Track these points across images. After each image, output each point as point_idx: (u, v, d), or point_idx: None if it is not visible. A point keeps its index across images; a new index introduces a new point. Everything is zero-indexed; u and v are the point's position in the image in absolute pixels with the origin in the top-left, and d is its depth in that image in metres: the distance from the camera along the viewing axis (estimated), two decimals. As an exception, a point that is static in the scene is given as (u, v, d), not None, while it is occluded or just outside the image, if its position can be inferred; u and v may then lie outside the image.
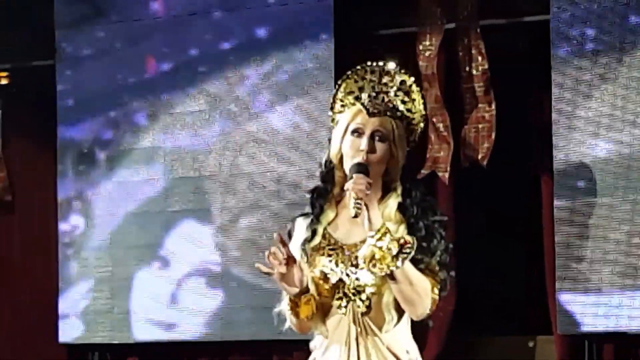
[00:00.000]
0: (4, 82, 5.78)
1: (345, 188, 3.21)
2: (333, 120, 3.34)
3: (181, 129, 5.43)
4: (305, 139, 5.33)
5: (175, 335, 5.46)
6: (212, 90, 5.51)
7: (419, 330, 3.35)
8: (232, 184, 5.50)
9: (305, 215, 3.38)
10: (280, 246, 3.25)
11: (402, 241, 3.10)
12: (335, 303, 3.27)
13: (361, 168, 3.18)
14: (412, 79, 3.34)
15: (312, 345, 3.36)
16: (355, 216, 3.19)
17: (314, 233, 3.33)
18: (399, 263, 3.09)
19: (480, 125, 4.94)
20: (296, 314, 3.27)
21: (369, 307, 3.23)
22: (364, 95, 3.39)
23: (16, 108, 5.80)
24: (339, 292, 3.26)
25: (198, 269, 5.50)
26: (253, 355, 5.41)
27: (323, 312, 3.30)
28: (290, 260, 3.27)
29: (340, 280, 3.28)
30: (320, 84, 5.25)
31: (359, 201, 3.16)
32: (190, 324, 5.45)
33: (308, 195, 3.42)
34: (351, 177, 3.16)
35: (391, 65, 3.39)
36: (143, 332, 5.50)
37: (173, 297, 5.50)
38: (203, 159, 5.53)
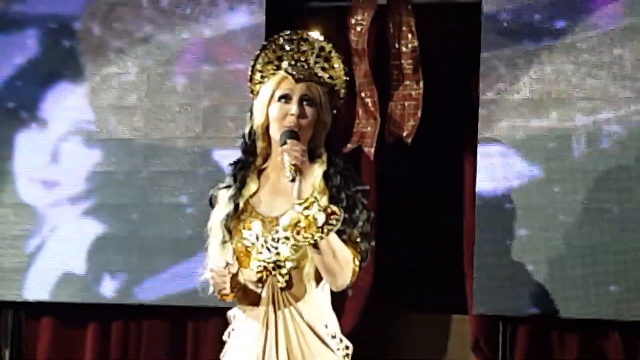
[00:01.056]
0: None
1: (281, 152, 3.23)
2: (252, 91, 3.38)
3: None
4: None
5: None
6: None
7: (337, 299, 3.39)
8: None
9: (227, 187, 3.38)
10: (228, 276, 3.28)
11: (329, 211, 3.11)
12: (256, 276, 3.24)
13: (293, 134, 3.21)
14: (330, 45, 3.40)
15: (230, 314, 3.36)
16: (293, 180, 3.18)
17: (236, 207, 3.34)
18: (324, 234, 3.11)
19: (406, 103, 4.94)
20: (222, 298, 3.30)
21: (288, 282, 3.24)
22: (285, 64, 3.40)
23: None
24: (259, 267, 3.25)
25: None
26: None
27: (244, 289, 3.31)
28: (234, 281, 3.30)
29: (260, 253, 3.28)
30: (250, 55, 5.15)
31: (295, 165, 3.18)
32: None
33: (229, 167, 3.44)
34: (284, 143, 3.19)
35: (311, 34, 3.44)
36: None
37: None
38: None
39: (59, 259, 5.36)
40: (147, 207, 5.41)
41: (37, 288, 5.38)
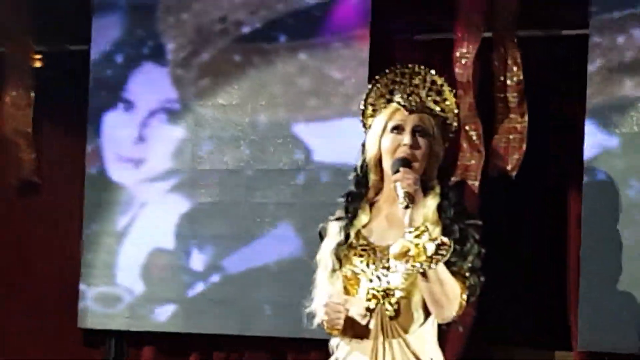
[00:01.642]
0: (38, 65, 5.72)
1: (393, 181, 3.24)
2: (365, 125, 3.42)
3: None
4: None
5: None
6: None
7: (439, 334, 3.41)
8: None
9: (337, 219, 3.44)
10: (343, 312, 3.32)
11: (439, 241, 3.12)
12: (364, 304, 3.29)
13: (405, 162, 3.23)
14: (442, 78, 3.43)
15: (332, 344, 3.40)
16: (406, 207, 3.19)
17: (347, 237, 3.39)
18: (433, 264, 3.11)
19: (511, 136, 4.87)
20: (331, 332, 3.36)
21: (397, 311, 3.26)
22: (397, 96, 3.41)
23: (49, 92, 5.73)
24: (368, 294, 3.29)
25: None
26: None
27: (351, 321, 3.34)
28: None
29: (370, 281, 3.32)
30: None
31: (407, 192, 3.20)
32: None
33: (341, 200, 3.49)
34: (396, 171, 3.22)
35: (423, 67, 3.45)
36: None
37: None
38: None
39: (149, 235, 5.45)
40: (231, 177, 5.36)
41: (129, 268, 5.46)
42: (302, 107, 5.26)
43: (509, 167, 4.79)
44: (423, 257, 3.11)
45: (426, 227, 3.23)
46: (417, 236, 3.13)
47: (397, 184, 3.22)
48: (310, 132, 5.30)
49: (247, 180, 5.31)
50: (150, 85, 5.52)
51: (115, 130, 5.52)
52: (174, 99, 5.46)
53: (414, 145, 3.30)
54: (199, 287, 5.32)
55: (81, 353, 5.60)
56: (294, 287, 4.68)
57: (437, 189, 3.38)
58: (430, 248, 3.12)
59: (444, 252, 3.13)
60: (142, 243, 5.43)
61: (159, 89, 5.50)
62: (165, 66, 5.47)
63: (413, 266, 3.13)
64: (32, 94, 5.63)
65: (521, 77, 4.77)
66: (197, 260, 5.34)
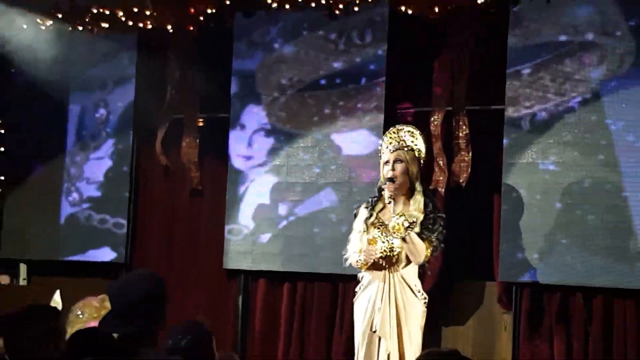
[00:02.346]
0: (200, 124, 6.53)
1: (382, 189, 4.06)
2: (380, 157, 4.25)
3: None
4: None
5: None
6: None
7: (420, 276, 4.26)
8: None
9: (365, 206, 4.21)
10: (374, 255, 3.98)
11: (411, 220, 3.97)
12: (380, 254, 4.05)
13: (390, 180, 4.04)
14: (415, 128, 4.25)
15: (359, 275, 4.17)
16: (389, 202, 3.99)
17: (370, 215, 4.13)
18: (407, 233, 3.94)
19: (462, 164, 5.60)
20: (362, 266, 4.08)
21: (396, 258, 4.06)
22: (386, 142, 4.20)
23: (208, 139, 6.59)
24: (381, 249, 4.05)
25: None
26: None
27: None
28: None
29: (382, 242, 4.07)
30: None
31: (390, 195, 4.02)
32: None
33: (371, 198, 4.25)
34: (385, 184, 4.05)
35: (404, 125, 4.29)
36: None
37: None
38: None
39: (255, 195, 6.14)
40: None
41: (245, 215, 6.12)
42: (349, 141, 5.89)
43: (461, 181, 5.57)
44: (402, 230, 3.96)
45: (403, 213, 3.98)
46: (399, 218, 4.00)
47: (386, 191, 4.05)
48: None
49: (315, 176, 5.99)
50: (253, 115, 6.31)
51: (236, 143, 6.31)
52: (266, 123, 6.23)
53: (394, 169, 4.06)
54: (283, 223, 6.10)
55: (226, 286, 6.35)
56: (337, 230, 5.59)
57: (421, 191, 4.15)
58: (405, 225, 3.96)
59: (413, 226, 3.97)
60: (252, 201, 6.20)
61: (258, 118, 6.27)
62: (261, 105, 6.24)
63: (399, 234, 3.98)
64: (197, 140, 6.47)
65: (467, 132, 5.55)
66: (282, 209, 6.08)
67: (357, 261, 4.03)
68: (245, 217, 6.18)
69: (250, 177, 6.24)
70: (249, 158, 6.27)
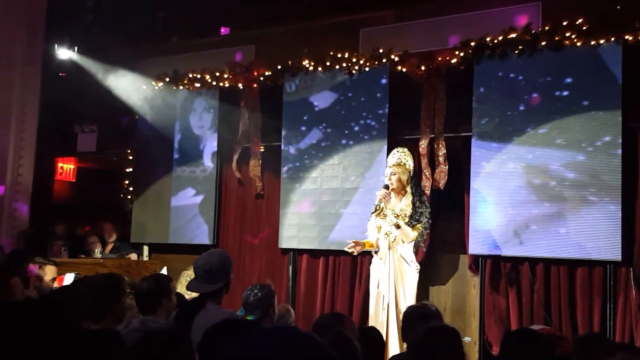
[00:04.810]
0: (262, 149, 6.42)
1: (377, 193, 4.12)
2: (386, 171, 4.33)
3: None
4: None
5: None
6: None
7: (415, 252, 4.31)
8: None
9: (376, 206, 4.25)
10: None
11: (401, 214, 4.09)
12: (383, 237, 4.12)
13: (386, 186, 4.13)
14: (407, 150, 4.32)
15: (373, 253, 4.28)
16: (380, 202, 4.04)
17: (376, 209, 4.24)
18: (396, 221, 4.04)
19: (441, 174, 5.42)
20: (370, 246, 4.18)
21: (394, 240, 4.13)
22: (389, 160, 4.30)
23: (267, 160, 6.47)
24: (384, 233, 4.14)
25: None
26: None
27: (377, 242, 4.16)
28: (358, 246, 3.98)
29: (383, 227, 4.15)
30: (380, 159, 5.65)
31: (381, 197, 4.06)
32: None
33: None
34: (381, 190, 4.15)
35: (400, 148, 4.37)
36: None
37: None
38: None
39: (299, 196, 5.79)
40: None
41: (292, 212, 5.81)
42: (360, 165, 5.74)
43: (440, 185, 5.44)
44: (395, 221, 4.09)
45: (394, 210, 4.04)
46: (392, 212, 4.14)
47: (380, 194, 4.15)
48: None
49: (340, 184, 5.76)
50: (295, 146, 5.99)
51: (287, 161, 6.07)
52: (305, 150, 5.90)
53: (390, 179, 4.17)
54: (317, 216, 5.77)
55: (281, 260, 6.19)
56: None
57: (411, 193, 4.18)
58: (393, 217, 4.06)
59: (400, 218, 4.07)
60: (297, 200, 5.94)
61: (299, 147, 5.96)
62: (300, 141, 5.97)
63: (392, 222, 4.07)
64: (260, 161, 6.45)
65: (445, 151, 5.41)
66: (316, 207, 5.74)
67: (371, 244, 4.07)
68: (292, 213, 6.10)
69: (296, 186, 6.18)
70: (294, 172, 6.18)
